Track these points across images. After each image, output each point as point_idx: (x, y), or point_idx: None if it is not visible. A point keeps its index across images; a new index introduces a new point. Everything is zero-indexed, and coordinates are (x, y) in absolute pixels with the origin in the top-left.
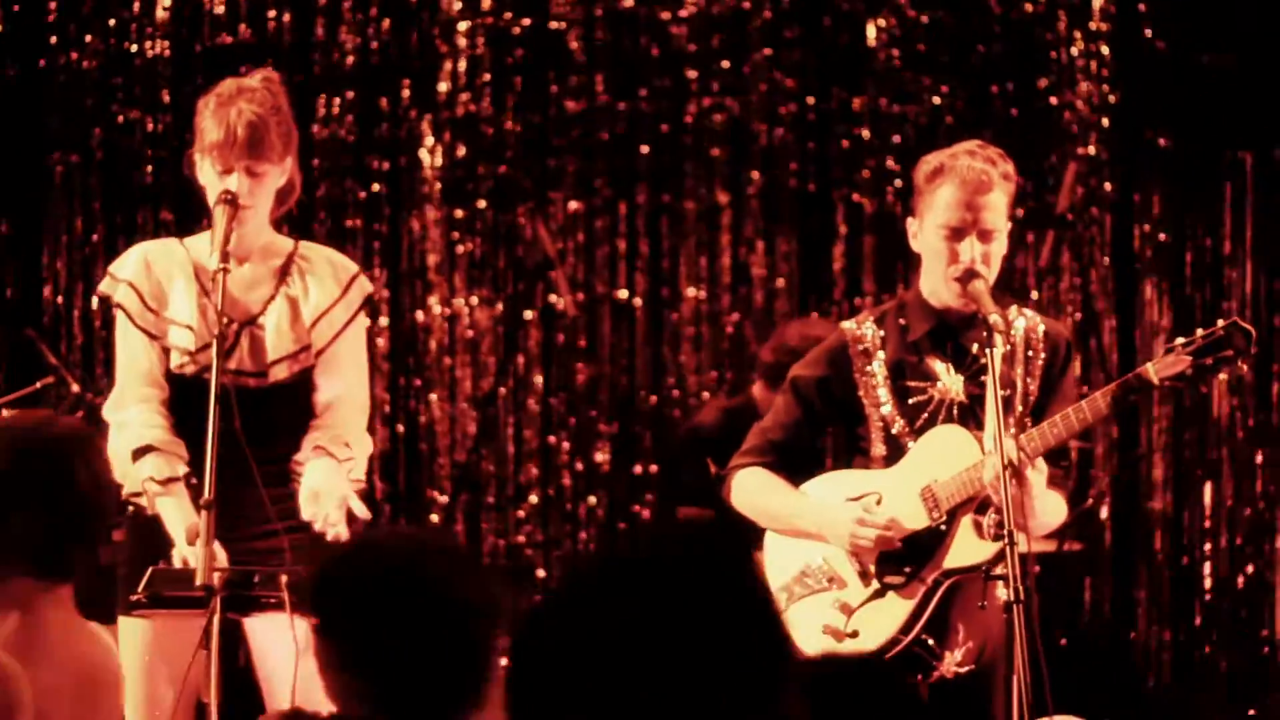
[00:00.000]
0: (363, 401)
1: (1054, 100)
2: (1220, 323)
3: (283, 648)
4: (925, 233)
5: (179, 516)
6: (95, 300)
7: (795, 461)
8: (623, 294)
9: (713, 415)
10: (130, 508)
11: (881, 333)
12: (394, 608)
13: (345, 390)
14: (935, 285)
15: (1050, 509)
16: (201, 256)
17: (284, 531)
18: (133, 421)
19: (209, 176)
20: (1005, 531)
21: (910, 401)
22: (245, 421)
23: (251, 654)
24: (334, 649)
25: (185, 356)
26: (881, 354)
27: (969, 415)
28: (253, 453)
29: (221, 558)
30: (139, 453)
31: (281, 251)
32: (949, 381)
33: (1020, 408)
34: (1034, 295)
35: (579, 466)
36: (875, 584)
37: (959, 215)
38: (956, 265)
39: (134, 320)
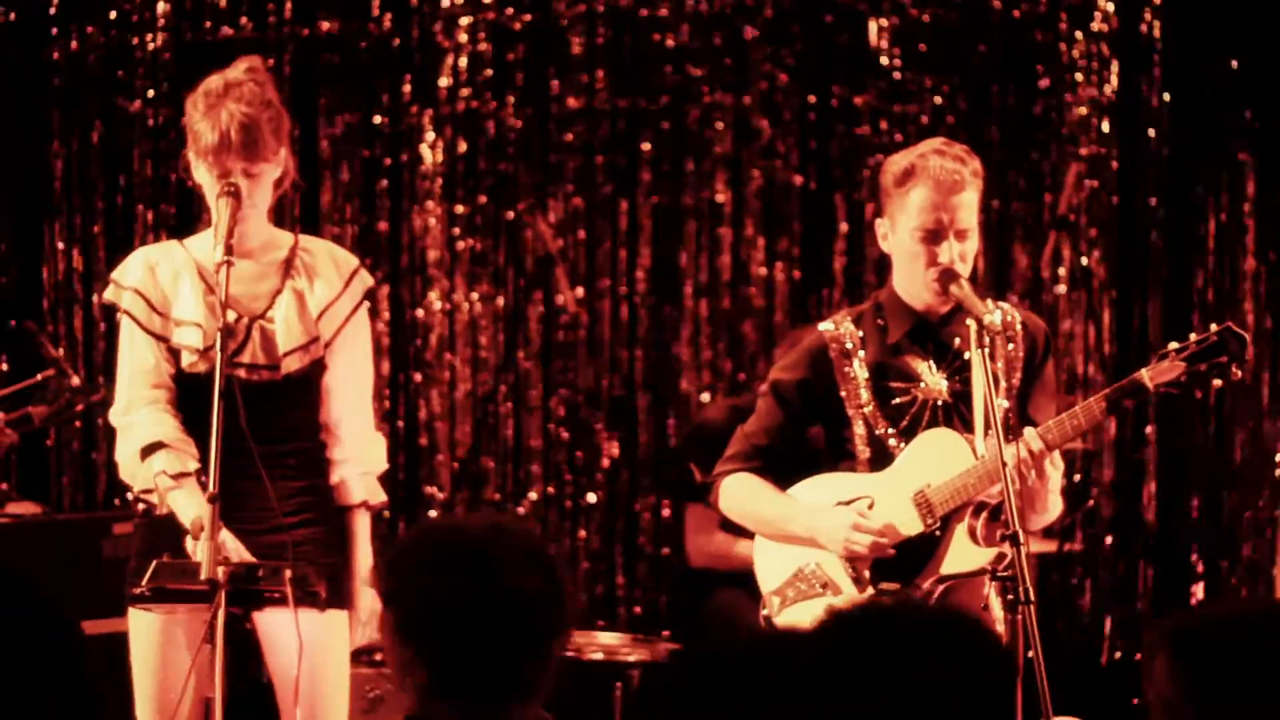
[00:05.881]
0: (367, 396)
1: (1055, 100)
2: (1214, 328)
3: (293, 647)
4: (899, 235)
5: (193, 510)
6: (104, 303)
7: (781, 465)
8: (623, 291)
9: (721, 412)
10: (141, 505)
11: (860, 333)
12: (458, 585)
13: (351, 386)
14: (911, 286)
15: (1053, 504)
16: (202, 255)
17: (301, 525)
18: (141, 422)
19: (205, 177)
20: (1011, 532)
21: (893, 402)
22: (261, 417)
23: (263, 652)
24: (397, 619)
25: (195, 355)
26: (862, 354)
27: (953, 414)
28: (270, 447)
29: (238, 550)
30: (148, 450)
31: (283, 245)
32: (931, 381)
33: (1005, 402)
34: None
35: (579, 463)
36: (869, 590)
37: (934, 217)
38: (935, 268)
39: (142, 325)
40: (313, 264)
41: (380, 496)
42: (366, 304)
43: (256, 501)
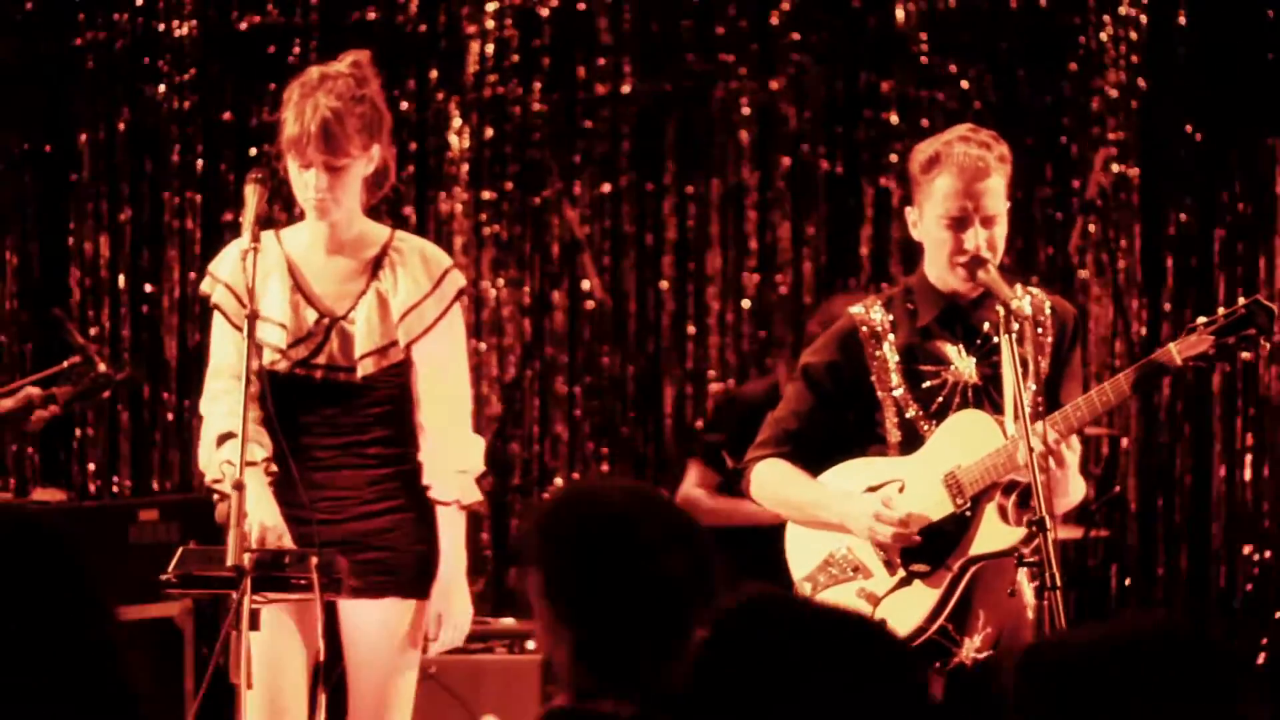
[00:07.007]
0: (462, 396)
1: (1083, 85)
2: (1241, 301)
3: (369, 638)
4: (926, 222)
5: (252, 498)
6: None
7: (812, 449)
8: (648, 276)
9: (761, 387)
10: (215, 495)
11: (890, 317)
12: (603, 561)
13: (443, 389)
14: (940, 272)
15: (1076, 487)
16: (295, 250)
17: (384, 513)
18: (219, 413)
19: (291, 170)
20: (1037, 518)
21: (923, 385)
22: (340, 412)
23: (341, 638)
24: (542, 581)
25: (277, 354)
26: (891, 337)
27: (983, 396)
28: (350, 438)
29: (275, 534)
30: (221, 439)
31: (375, 242)
32: (961, 364)
33: (1033, 386)
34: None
35: (605, 450)
36: (901, 573)
37: (959, 204)
38: (962, 255)
39: (231, 320)
40: (401, 264)
41: (475, 496)
42: (460, 304)
43: (335, 491)
